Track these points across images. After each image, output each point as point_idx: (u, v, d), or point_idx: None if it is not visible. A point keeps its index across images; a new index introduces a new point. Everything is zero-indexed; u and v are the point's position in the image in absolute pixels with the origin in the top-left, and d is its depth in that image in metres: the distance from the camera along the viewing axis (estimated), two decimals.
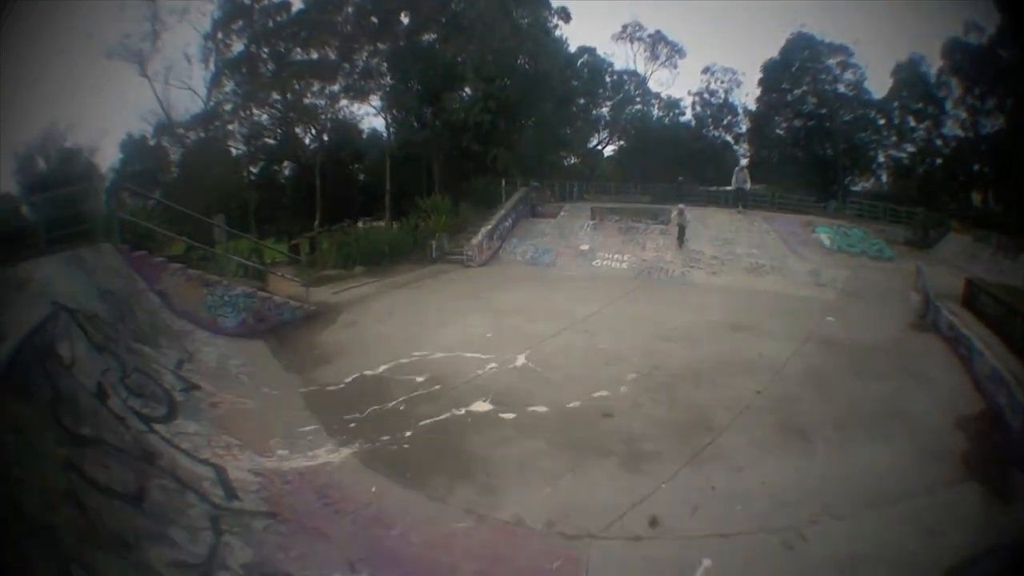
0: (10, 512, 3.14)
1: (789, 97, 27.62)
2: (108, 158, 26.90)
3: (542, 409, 7.11)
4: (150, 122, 25.06)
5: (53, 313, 5.77)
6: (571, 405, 7.22)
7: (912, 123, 26.30)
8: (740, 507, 5.04)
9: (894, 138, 26.84)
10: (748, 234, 16.83)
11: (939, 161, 25.66)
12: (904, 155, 26.78)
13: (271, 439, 6.52)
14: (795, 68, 27.26)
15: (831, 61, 27.01)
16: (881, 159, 27.66)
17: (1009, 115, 22.08)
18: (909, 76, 25.51)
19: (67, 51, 29.52)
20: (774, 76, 27.87)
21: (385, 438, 6.59)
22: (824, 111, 26.81)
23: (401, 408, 7.36)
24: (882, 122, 26.78)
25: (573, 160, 29.89)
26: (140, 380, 6.50)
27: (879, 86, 30.13)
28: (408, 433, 6.67)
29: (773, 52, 28.02)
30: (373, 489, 5.59)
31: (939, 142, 25.77)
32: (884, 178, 27.73)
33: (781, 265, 15.06)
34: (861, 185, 27.58)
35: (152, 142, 25.45)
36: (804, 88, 27.29)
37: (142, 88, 26.34)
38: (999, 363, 7.14)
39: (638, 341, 9.59)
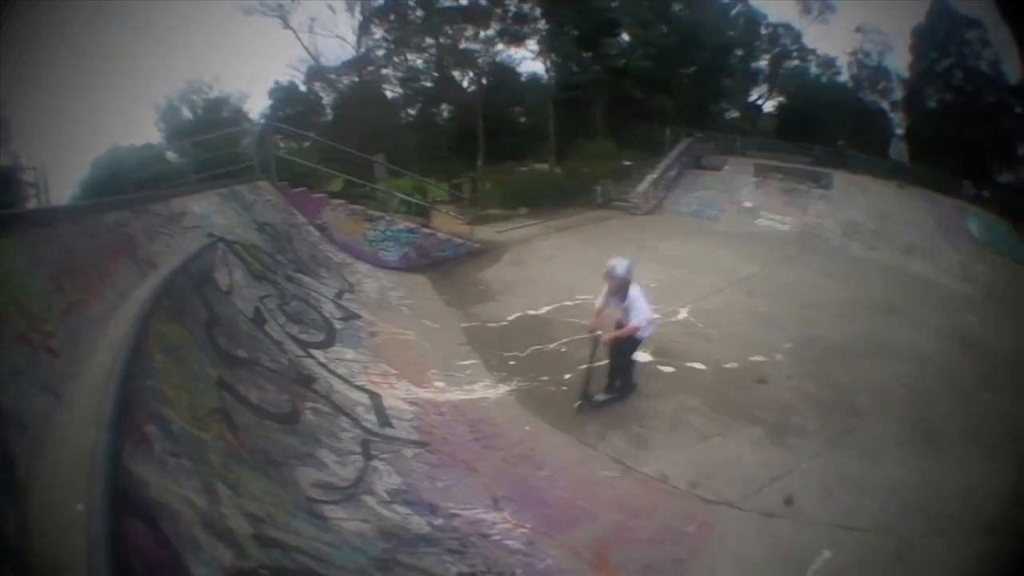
0: (159, 428, 3.02)
1: (938, 68, 23.18)
2: (258, 106, 26.34)
3: (700, 366, 6.84)
4: (299, 70, 24.43)
5: (210, 243, 5.94)
6: (728, 366, 6.92)
7: None
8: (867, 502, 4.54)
9: None
10: (905, 211, 15.46)
11: None
12: None
13: (429, 370, 6.50)
14: (941, 36, 22.79)
15: (970, 35, 21.88)
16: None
17: None
18: None
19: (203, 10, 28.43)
20: (923, 43, 23.69)
21: (544, 378, 6.42)
22: (971, 87, 21.97)
23: (563, 350, 7.17)
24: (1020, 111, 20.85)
25: (735, 113, 28.83)
26: (299, 307, 6.65)
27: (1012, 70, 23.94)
28: (567, 376, 6.43)
29: (920, 16, 23.41)
30: (527, 428, 5.42)
31: None
32: None
33: (934, 249, 13.75)
34: (1005, 178, 21.69)
35: (303, 88, 25.26)
36: (952, 60, 22.63)
37: (288, 40, 26.88)
38: None
39: (794, 309, 9.11)
